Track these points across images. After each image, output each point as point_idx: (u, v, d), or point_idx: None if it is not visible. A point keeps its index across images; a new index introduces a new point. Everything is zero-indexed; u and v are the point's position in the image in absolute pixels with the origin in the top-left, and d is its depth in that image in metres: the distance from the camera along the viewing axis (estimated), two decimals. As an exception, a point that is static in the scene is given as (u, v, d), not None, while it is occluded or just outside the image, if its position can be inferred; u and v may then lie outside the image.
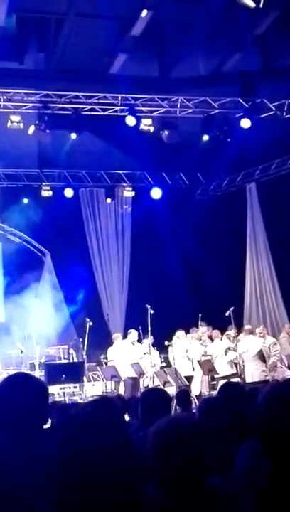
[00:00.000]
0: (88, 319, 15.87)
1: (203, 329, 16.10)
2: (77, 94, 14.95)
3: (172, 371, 14.09)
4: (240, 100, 15.40)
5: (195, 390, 14.86)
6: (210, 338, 15.96)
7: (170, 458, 2.50)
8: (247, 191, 18.95)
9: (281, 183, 17.47)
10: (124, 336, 16.48)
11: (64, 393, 14.18)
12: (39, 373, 14.36)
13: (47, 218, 17.68)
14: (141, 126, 15.37)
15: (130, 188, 19.16)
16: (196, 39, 14.04)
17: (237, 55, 14.54)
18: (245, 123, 15.16)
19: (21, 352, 15.40)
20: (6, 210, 18.21)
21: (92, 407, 2.10)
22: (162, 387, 12.24)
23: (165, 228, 18.25)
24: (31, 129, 15.04)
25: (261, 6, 11.80)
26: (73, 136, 15.55)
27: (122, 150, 18.26)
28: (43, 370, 14.70)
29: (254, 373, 13.51)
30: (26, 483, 2.41)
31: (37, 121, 14.90)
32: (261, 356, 13.83)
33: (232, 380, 13.17)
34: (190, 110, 15.60)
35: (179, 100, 15.44)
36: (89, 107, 15.25)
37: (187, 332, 16.03)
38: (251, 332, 14.62)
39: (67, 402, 12.50)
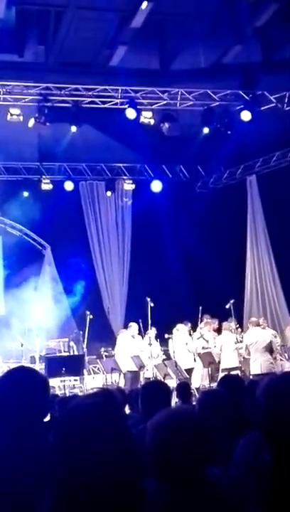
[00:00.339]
0: (88, 312, 15.87)
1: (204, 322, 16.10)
2: (77, 86, 14.91)
3: (172, 364, 14.11)
4: (241, 92, 15.36)
5: (196, 382, 14.87)
6: (216, 330, 15.95)
7: (169, 450, 2.50)
8: (248, 184, 18.92)
9: (282, 176, 17.44)
10: (125, 329, 16.50)
11: (64, 386, 14.19)
12: (39, 366, 14.37)
13: (48, 211, 17.66)
14: (142, 119, 15.34)
15: (130, 181, 19.14)
16: (196, 31, 14.01)
17: (238, 47, 14.52)
18: (245, 115, 15.12)
19: (21, 345, 15.41)
20: (6, 203, 18.19)
21: (91, 400, 2.10)
22: (162, 379, 12.26)
23: (165, 221, 18.25)
24: (31, 122, 15.01)
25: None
26: (73, 129, 15.53)
27: (122, 143, 18.23)
28: (44, 363, 14.71)
29: (262, 365, 13.50)
30: (26, 476, 2.41)
31: (37, 114, 14.86)
32: (270, 348, 13.84)
33: (235, 372, 13.20)
34: (191, 103, 15.56)
35: (179, 93, 15.40)
36: (89, 99, 15.22)
37: (194, 325, 16.01)
38: (258, 324, 14.61)
39: (67, 394, 12.51)
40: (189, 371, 14.72)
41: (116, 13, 13.65)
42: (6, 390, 2.71)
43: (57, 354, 15.98)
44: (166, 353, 15.80)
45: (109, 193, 19.18)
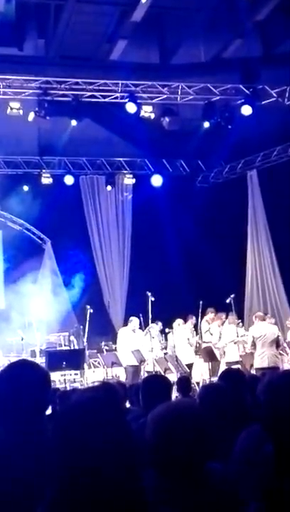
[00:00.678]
0: (88, 306, 15.88)
1: (211, 316, 16.10)
2: (77, 80, 14.88)
3: (173, 358, 14.12)
4: (241, 87, 15.33)
5: (196, 376, 14.89)
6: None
7: (169, 444, 2.50)
8: (248, 178, 18.91)
9: (282, 170, 17.41)
10: (125, 324, 16.52)
11: (65, 380, 14.21)
12: (40, 360, 14.38)
13: (48, 206, 17.64)
14: (142, 113, 15.32)
15: (130, 176, 19.12)
16: (196, 25, 13.98)
17: (238, 41, 14.50)
18: (246, 110, 15.09)
19: (22, 339, 15.42)
20: (6, 198, 18.17)
21: (91, 394, 2.10)
22: (163, 373, 12.27)
23: (165, 215, 18.23)
24: (31, 116, 14.98)
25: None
26: (73, 123, 15.50)
27: (123, 137, 18.22)
28: (44, 357, 14.72)
29: (269, 359, 13.52)
30: (27, 474, 2.40)
31: (37, 108, 14.83)
32: (277, 342, 13.86)
33: (237, 366, 13.22)
34: (191, 97, 15.53)
35: (180, 87, 15.37)
36: (90, 93, 15.19)
37: (203, 315, 16.05)
38: (264, 318, 14.63)
39: (68, 388, 12.52)
40: (190, 366, 14.74)
41: (117, 7, 13.62)
42: (7, 384, 2.70)
43: (58, 348, 16.00)
44: (165, 347, 15.87)
45: (109, 188, 19.16)
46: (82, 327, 16.17)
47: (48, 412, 2.89)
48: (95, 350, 15.98)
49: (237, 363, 14.02)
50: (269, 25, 14.72)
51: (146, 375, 13.56)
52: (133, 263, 19.25)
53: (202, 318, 16.16)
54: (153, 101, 15.54)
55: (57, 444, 2.03)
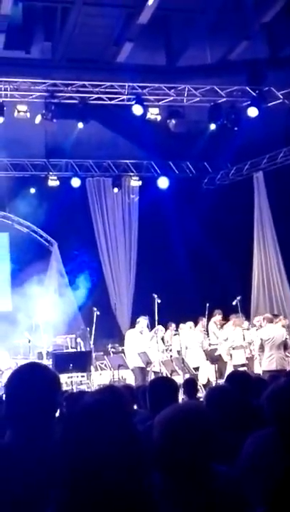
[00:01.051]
0: (95, 308, 15.90)
1: (219, 317, 16.07)
2: (84, 83, 14.91)
3: (179, 360, 14.12)
4: (247, 89, 15.33)
5: (203, 379, 14.89)
6: (222, 326, 15.97)
7: (175, 445, 2.50)
8: (254, 180, 18.90)
9: (288, 172, 17.40)
10: (132, 326, 16.54)
11: (72, 382, 14.22)
12: (47, 362, 14.38)
13: (54, 208, 17.68)
14: (148, 115, 15.33)
15: (137, 178, 19.14)
16: (203, 27, 13.98)
17: (244, 43, 14.48)
18: (252, 111, 15.09)
19: (29, 341, 15.45)
20: (13, 200, 18.22)
21: (97, 397, 2.11)
22: (169, 376, 12.28)
23: (172, 217, 18.23)
24: (38, 119, 15.01)
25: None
26: (80, 125, 15.52)
27: (129, 139, 18.24)
28: (51, 359, 14.74)
29: (278, 361, 13.49)
30: (35, 476, 2.40)
31: (44, 111, 14.87)
32: (285, 344, 13.82)
33: (243, 368, 13.20)
34: (197, 99, 15.54)
35: (186, 89, 15.38)
36: (96, 95, 15.21)
37: (210, 317, 16.04)
38: (272, 320, 14.61)
39: (74, 391, 12.54)
40: (196, 368, 14.76)
41: (123, 9, 13.63)
42: (17, 386, 2.71)
43: (65, 350, 16.01)
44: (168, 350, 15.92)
45: (115, 190, 19.18)
46: (88, 329, 16.19)
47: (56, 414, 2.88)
48: (102, 353, 15.99)
49: (243, 365, 14.00)
50: (275, 27, 14.70)
51: (153, 376, 13.59)
52: (139, 265, 19.26)
53: (208, 320, 16.15)
54: (160, 103, 15.56)
55: (63, 447, 2.04)
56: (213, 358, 14.82)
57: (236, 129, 15.57)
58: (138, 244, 19.45)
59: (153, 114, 15.37)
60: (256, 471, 2.65)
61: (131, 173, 19.19)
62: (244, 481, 2.69)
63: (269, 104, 15.55)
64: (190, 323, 15.82)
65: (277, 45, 15.33)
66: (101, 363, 15.57)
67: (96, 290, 18.12)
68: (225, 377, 6.94)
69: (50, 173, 18.19)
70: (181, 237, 18.33)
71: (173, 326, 16.20)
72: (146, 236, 19.13)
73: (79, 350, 16.01)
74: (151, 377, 13.71)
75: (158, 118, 15.47)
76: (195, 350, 15.17)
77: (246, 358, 14.49)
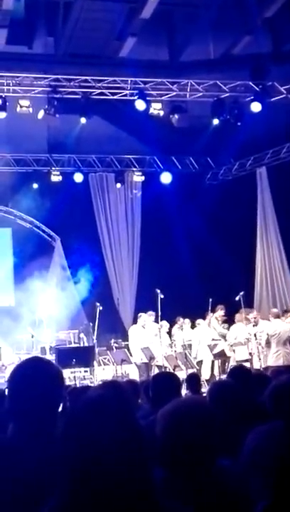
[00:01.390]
0: (98, 304, 15.91)
1: (221, 313, 16.08)
2: (87, 78, 14.88)
3: (182, 355, 14.14)
4: (250, 83, 15.29)
5: (205, 374, 14.91)
6: (225, 321, 15.98)
7: (178, 440, 2.50)
8: (257, 176, 18.87)
9: (292, 167, 17.39)
10: (135, 321, 16.59)
11: (74, 377, 14.25)
12: (50, 357, 14.42)
13: (57, 203, 17.69)
14: (151, 111, 15.30)
15: (140, 173, 19.12)
16: (206, 22, 13.95)
17: (247, 38, 14.45)
18: (255, 106, 15.05)
19: (32, 336, 15.48)
20: (15, 195, 18.23)
21: (100, 392, 2.11)
22: (172, 371, 12.29)
23: (175, 213, 18.22)
24: (41, 114, 15.01)
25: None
26: (83, 120, 15.50)
27: (132, 134, 18.21)
28: (54, 354, 14.77)
29: (285, 357, 13.50)
30: (38, 475, 2.40)
31: (46, 106, 14.85)
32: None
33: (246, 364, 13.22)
34: (200, 94, 15.51)
35: (189, 84, 15.34)
36: (99, 91, 15.19)
37: (213, 312, 16.05)
38: (278, 316, 14.60)
39: (77, 386, 12.56)
40: (199, 363, 14.79)
41: (125, 4, 13.61)
42: (20, 381, 2.70)
43: (68, 345, 16.04)
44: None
45: (118, 185, 19.18)
46: (91, 324, 16.21)
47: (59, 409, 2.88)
48: (105, 348, 16.01)
49: (246, 361, 14.01)
50: (278, 21, 14.66)
51: (157, 370, 13.63)
52: (142, 260, 19.26)
53: (211, 315, 16.15)
54: (162, 98, 15.52)
55: (65, 442, 2.04)
56: (216, 353, 14.83)
57: (239, 124, 15.53)
58: (141, 240, 19.45)
59: (156, 109, 15.34)
60: (259, 466, 2.66)
61: (134, 169, 19.18)
62: (247, 476, 2.69)
63: (272, 99, 15.51)
64: (200, 320, 15.88)
65: (280, 40, 15.30)
66: (104, 358, 15.60)
67: (99, 285, 18.13)
68: (227, 372, 6.95)
69: (53, 168, 18.18)
70: (184, 233, 18.32)
71: (182, 320, 16.21)
72: (149, 231, 19.12)
73: (82, 345, 16.03)
74: (155, 372, 13.75)
75: (161, 113, 15.45)
76: (204, 346, 15.22)
77: (250, 354, 14.50)
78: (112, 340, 16.40)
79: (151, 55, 15.10)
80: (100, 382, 9.68)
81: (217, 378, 13.39)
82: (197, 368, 14.06)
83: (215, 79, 15.27)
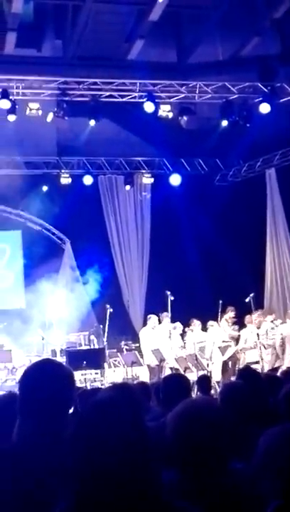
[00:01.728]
0: (108, 306, 15.93)
1: (231, 314, 16.07)
2: (96, 80, 14.91)
3: (192, 357, 14.13)
4: (259, 85, 15.26)
5: (216, 376, 14.89)
6: (236, 323, 15.98)
7: (187, 441, 2.50)
8: (267, 177, 18.84)
9: (301, 169, 17.36)
10: (145, 323, 16.60)
11: (85, 379, 14.27)
12: (60, 359, 14.44)
13: (67, 206, 17.72)
14: (160, 113, 15.31)
15: (149, 175, 19.13)
16: (214, 24, 13.93)
17: (256, 39, 14.41)
18: (264, 108, 15.03)
19: (42, 338, 15.51)
20: (25, 198, 18.28)
21: (109, 394, 2.12)
22: (182, 373, 12.28)
23: (184, 215, 18.23)
24: (50, 117, 15.05)
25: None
26: (92, 123, 15.53)
27: (141, 137, 18.23)
28: (64, 357, 14.80)
29: None
30: (49, 476, 2.40)
31: (55, 109, 14.89)
32: None
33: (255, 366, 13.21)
34: (209, 95, 15.50)
35: (197, 86, 15.34)
36: (108, 93, 15.21)
37: (223, 314, 16.03)
38: None
39: (88, 388, 12.57)
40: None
41: (134, 7, 13.61)
42: (32, 383, 2.70)
43: (78, 348, 16.06)
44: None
45: (128, 187, 19.19)
46: (101, 326, 16.23)
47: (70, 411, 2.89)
48: (115, 350, 16.03)
49: (256, 362, 13.99)
50: (286, 22, 14.62)
51: (170, 372, 13.64)
52: (152, 262, 19.27)
53: (221, 317, 16.15)
54: (171, 100, 15.53)
55: (73, 444, 2.05)
56: (226, 354, 14.83)
57: (248, 125, 15.52)
58: (151, 242, 19.46)
59: (165, 111, 15.35)
60: (271, 467, 2.65)
61: (143, 171, 19.19)
62: (259, 478, 2.68)
63: (281, 100, 15.47)
64: (213, 322, 15.88)
65: (288, 41, 15.26)
66: (115, 360, 15.61)
67: (109, 287, 18.14)
68: (237, 374, 6.94)
69: (62, 170, 18.23)
70: (193, 235, 18.31)
71: (195, 322, 16.19)
72: (158, 233, 19.13)
73: (92, 347, 16.05)
74: (166, 373, 13.74)
75: (170, 115, 15.45)
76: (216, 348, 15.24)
77: (259, 355, 14.49)
78: (122, 342, 16.42)
79: (160, 57, 15.10)
80: (110, 384, 9.68)
81: (228, 380, 13.38)
82: (208, 369, 14.05)
83: (224, 80, 15.26)
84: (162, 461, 2.52)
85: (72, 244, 18.83)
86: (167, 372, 14.18)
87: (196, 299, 17.18)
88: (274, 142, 17.42)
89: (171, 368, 14.55)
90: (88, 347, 16.07)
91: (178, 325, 15.79)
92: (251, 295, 14.87)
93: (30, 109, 14.79)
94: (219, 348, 15.13)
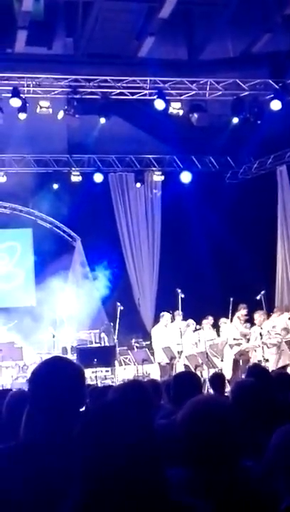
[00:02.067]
0: (119, 303, 15.95)
1: (243, 312, 16.03)
2: (106, 78, 14.91)
3: (203, 355, 14.11)
4: (270, 82, 15.22)
5: (227, 373, 14.87)
6: (247, 321, 15.96)
7: (197, 438, 2.49)
8: (278, 174, 18.77)
9: (312, 166, 17.29)
10: (155, 321, 16.61)
11: (96, 377, 14.29)
12: (71, 357, 14.48)
13: (77, 203, 17.75)
14: (170, 110, 15.29)
15: (159, 173, 19.11)
16: (225, 20, 13.89)
17: (267, 35, 14.36)
18: (275, 105, 14.97)
19: (53, 336, 15.55)
20: (36, 196, 18.32)
21: (120, 392, 2.11)
22: (193, 370, 12.28)
23: (195, 212, 18.20)
24: (60, 114, 15.06)
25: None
26: (102, 120, 15.53)
27: (151, 134, 18.21)
28: (75, 354, 14.83)
29: None
30: (57, 476, 2.40)
31: (66, 106, 14.91)
32: None
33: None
34: (220, 93, 15.47)
35: (208, 83, 15.31)
36: (118, 91, 15.21)
37: (234, 312, 16.00)
38: None
39: (98, 385, 12.59)
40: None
41: (144, 4, 13.58)
42: (42, 380, 2.69)
43: (89, 345, 16.09)
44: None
45: (138, 185, 19.17)
46: (112, 324, 16.25)
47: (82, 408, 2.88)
48: (126, 348, 16.04)
49: (266, 361, 13.97)
50: (297, 19, 14.57)
51: (181, 369, 13.65)
52: (162, 260, 19.26)
53: (233, 315, 16.12)
54: (182, 97, 15.51)
55: (82, 443, 2.04)
56: (238, 352, 14.81)
57: (259, 122, 15.47)
58: (161, 239, 19.45)
59: (176, 108, 15.33)
60: (283, 465, 2.64)
61: (154, 168, 19.17)
62: (271, 475, 2.67)
63: (292, 97, 15.42)
64: (225, 319, 15.86)
65: (300, 37, 15.19)
66: (125, 358, 15.62)
67: (119, 285, 18.16)
68: (246, 371, 6.92)
69: (73, 168, 18.24)
70: (204, 232, 18.28)
71: (211, 318, 16.17)
72: (169, 231, 19.12)
73: (103, 345, 16.07)
74: (178, 371, 13.74)
75: (181, 112, 15.43)
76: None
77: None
78: (133, 340, 16.43)
79: (170, 55, 15.08)
80: (121, 382, 9.69)
81: (239, 378, 13.36)
82: (219, 367, 14.03)
83: (235, 77, 15.22)
84: (172, 459, 2.51)
85: (82, 242, 18.86)
86: (179, 370, 14.17)
87: (207, 296, 17.16)
88: (285, 139, 17.35)
89: (185, 366, 14.55)
90: (99, 345, 16.10)
91: (191, 322, 15.78)
92: (262, 292, 14.84)
93: (41, 107, 14.82)
94: (230, 345, 15.11)
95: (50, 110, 14.88)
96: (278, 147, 18.13)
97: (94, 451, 1.98)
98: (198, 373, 11.84)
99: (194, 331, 15.96)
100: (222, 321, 15.99)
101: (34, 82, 14.73)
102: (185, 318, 15.80)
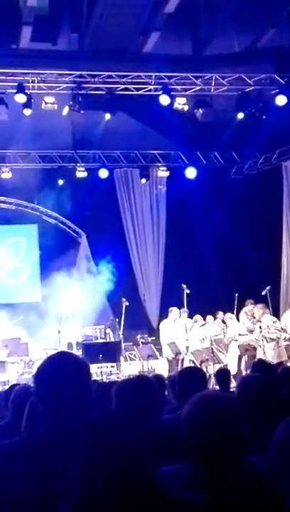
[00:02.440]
0: (124, 299, 15.96)
1: (250, 307, 16.03)
2: (111, 73, 14.90)
3: (209, 350, 14.11)
4: (276, 76, 15.18)
5: (232, 369, 14.87)
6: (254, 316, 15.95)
7: (202, 433, 2.49)
8: (283, 169, 18.73)
9: (318, 161, 17.24)
10: (161, 316, 16.61)
11: (101, 372, 14.31)
12: (76, 353, 14.49)
13: (82, 199, 17.75)
14: (175, 105, 15.27)
15: (164, 168, 19.09)
16: (230, 16, 13.87)
17: (272, 30, 14.34)
18: (281, 100, 14.94)
19: (58, 332, 15.57)
20: (41, 192, 18.32)
21: (126, 388, 2.12)
22: (198, 365, 12.28)
23: (200, 208, 18.18)
24: (65, 110, 15.06)
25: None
26: (107, 116, 15.53)
27: (156, 130, 18.17)
28: (81, 350, 14.85)
29: None
30: (58, 476, 2.40)
31: (71, 102, 14.90)
32: None
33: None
34: (225, 88, 15.44)
35: (213, 78, 15.28)
36: (123, 86, 15.19)
37: (240, 307, 15.98)
38: None
39: (104, 380, 12.60)
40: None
41: (149, -1, 13.59)
42: (48, 375, 2.70)
43: (94, 341, 16.11)
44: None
45: (143, 181, 19.16)
46: (117, 320, 16.26)
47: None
48: (131, 343, 16.06)
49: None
50: (303, 13, 14.53)
51: (189, 364, 13.67)
52: (168, 256, 19.25)
53: (238, 310, 16.11)
54: (187, 93, 15.48)
55: (83, 442, 2.05)
56: (243, 347, 14.80)
57: (264, 117, 15.44)
58: (167, 235, 19.44)
59: (181, 103, 15.30)
60: (284, 460, 2.64)
61: (159, 164, 19.15)
62: (276, 471, 2.67)
63: (298, 92, 15.38)
64: (231, 315, 15.85)
65: (305, 32, 15.15)
66: (131, 354, 15.64)
67: (124, 281, 18.16)
68: (252, 366, 6.92)
69: (78, 164, 18.24)
70: (209, 228, 18.27)
71: (221, 314, 16.16)
72: (174, 226, 19.11)
73: (108, 340, 16.09)
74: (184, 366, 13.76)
75: (186, 108, 15.41)
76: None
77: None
78: (138, 336, 16.45)
79: (175, 50, 15.06)
80: (127, 377, 9.70)
81: (244, 373, 13.36)
82: (225, 363, 14.03)
83: (240, 72, 15.19)
84: (177, 454, 2.51)
85: (87, 238, 18.88)
86: (186, 365, 14.19)
87: (212, 292, 17.16)
88: (290, 134, 17.32)
89: (191, 361, 14.57)
90: (104, 340, 16.11)
91: (198, 317, 15.78)
92: (268, 288, 14.83)
93: (46, 103, 14.81)
94: (235, 341, 15.10)
95: (55, 106, 14.88)
96: (283, 142, 18.09)
97: (94, 451, 1.99)
98: (204, 369, 11.84)
99: (201, 326, 15.95)
100: (228, 316, 15.98)
101: (39, 78, 14.72)
102: (190, 314, 15.78)
